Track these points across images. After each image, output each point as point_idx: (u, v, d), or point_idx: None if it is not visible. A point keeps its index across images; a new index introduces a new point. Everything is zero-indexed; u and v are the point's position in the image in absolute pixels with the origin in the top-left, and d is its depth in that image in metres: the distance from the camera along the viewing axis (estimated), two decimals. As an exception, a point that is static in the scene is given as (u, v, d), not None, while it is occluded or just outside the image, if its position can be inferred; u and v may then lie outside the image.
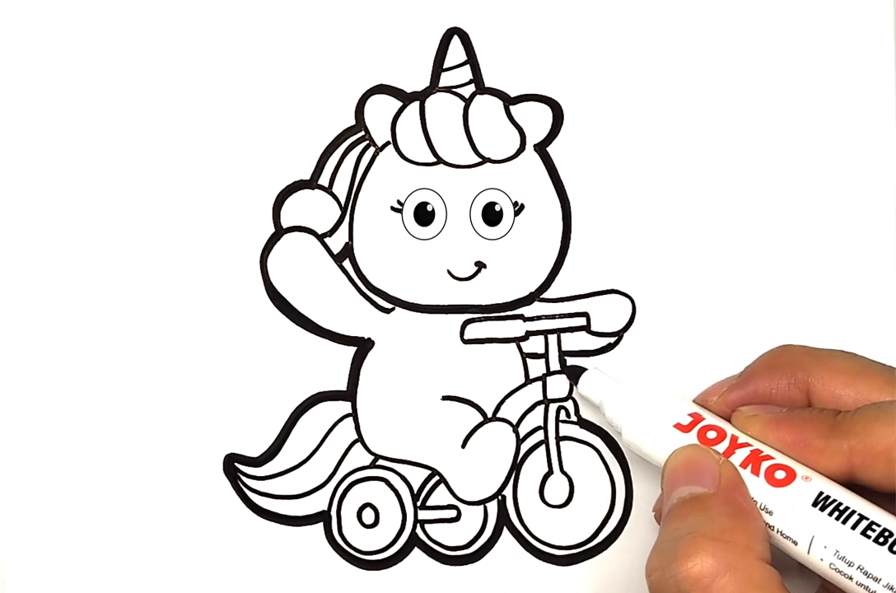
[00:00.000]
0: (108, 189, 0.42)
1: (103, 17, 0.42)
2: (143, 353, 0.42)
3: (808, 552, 0.33)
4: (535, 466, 0.43)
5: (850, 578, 0.32)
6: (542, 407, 0.43)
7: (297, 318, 0.43)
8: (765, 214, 0.43)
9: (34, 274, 0.42)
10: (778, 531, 0.33)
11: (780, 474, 0.34)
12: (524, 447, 0.43)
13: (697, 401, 0.38)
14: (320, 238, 0.43)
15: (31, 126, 0.42)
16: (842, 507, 0.32)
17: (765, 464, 0.34)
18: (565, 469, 0.43)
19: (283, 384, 0.43)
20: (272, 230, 0.43)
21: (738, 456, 0.35)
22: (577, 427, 0.43)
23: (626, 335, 0.43)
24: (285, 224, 0.43)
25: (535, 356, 0.43)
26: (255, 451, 0.43)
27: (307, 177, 0.43)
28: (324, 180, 0.43)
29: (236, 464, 0.43)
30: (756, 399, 0.36)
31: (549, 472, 0.43)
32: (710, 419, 0.37)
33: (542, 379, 0.43)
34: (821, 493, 0.33)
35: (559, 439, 0.43)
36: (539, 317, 0.43)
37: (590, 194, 0.43)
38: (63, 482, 0.42)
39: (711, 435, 0.36)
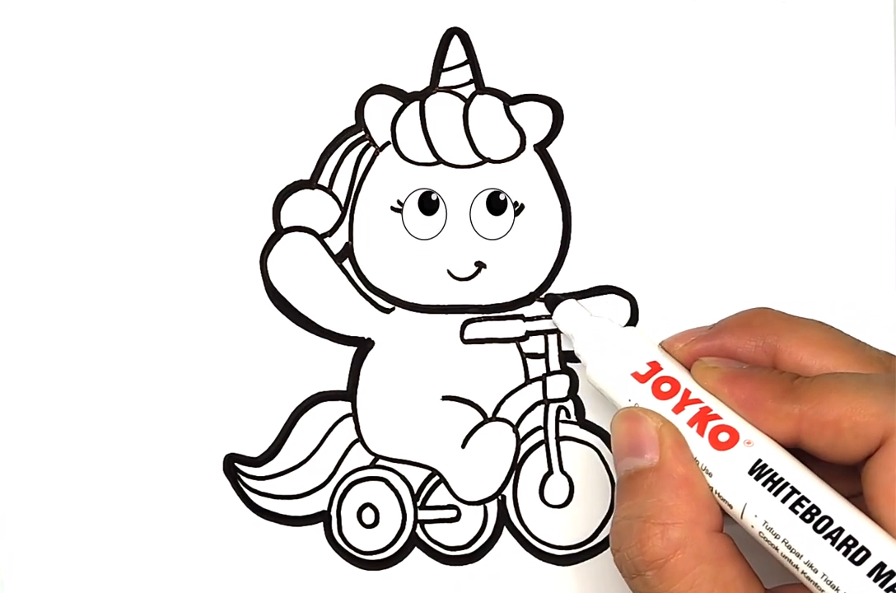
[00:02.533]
0: (109, 189, 0.42)
1: (103, 18, 0.42)
2: (143, 353, 0.42)
3: (741, 517, 0.33)
4: (535, 466, 0.43)
5: (776, 549, 0.32)
6: (542, 407, 0.43)
7: (297, 318, 0.43)
8: (765, 214, 0.43)
9: (34, 274, 0.42)
10: (716, 493, 0.33)
11: (723, 436, 0.33)
12: (524, 447, 0.43)
13: (664, 344, 0.38)
14: (320, 238, 0.43)
15: (31, 127, 0.42)
16: (776, 478, 0.32)
17: (710, 425, 0.34)
18: (565, 469, 0.43)
19: (283, 384, 0.43)
20: (272, 230, 0.43)
21: (687, 414, 0.34)
22: (577, 427, 0.43)
23: (626, 335, 0.43)
24: (285, 224, 0.43)
25: (535, 356, 0.43)
26: (255, 451, 0.43)
27: (307, 177, 0.43)
28: (324, 180, 0.43)
29: (236, 464, 0.43)
30: (721, 353, 0.36)
31: (549, 472, 0.43)
32: (668, 369, 0.36)
33: (542, 379, 0.43)
34: (758, 461, 0.33)
35: (559, 439, 0.43)
36: (539, 317, 0.43)
37: (590, 194, 0.43)
38: (63, 482, 0.42)
39: (665, 387, 0.35)
